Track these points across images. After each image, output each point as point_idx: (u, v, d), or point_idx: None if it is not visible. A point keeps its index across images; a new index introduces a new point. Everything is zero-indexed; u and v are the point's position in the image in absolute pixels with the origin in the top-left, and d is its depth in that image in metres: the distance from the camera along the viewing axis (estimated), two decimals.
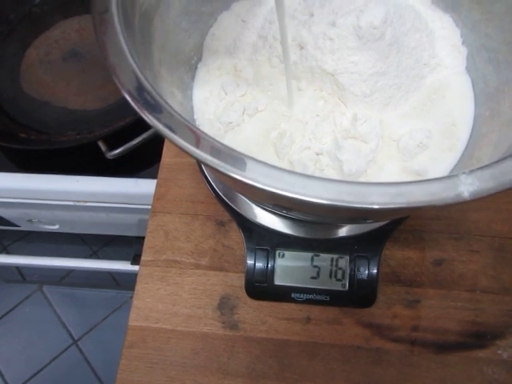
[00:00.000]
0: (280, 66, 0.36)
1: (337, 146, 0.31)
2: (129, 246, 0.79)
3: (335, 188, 0.20)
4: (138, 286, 0.41)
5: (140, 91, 0.22)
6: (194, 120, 0.36)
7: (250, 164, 0.21)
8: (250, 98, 0.36)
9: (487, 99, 0.34)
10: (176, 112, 0.22)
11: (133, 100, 0.22)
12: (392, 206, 0.20)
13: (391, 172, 0.32)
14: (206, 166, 0.21)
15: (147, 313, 0.40)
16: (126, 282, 1.09)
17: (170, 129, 0.21)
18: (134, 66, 0.23)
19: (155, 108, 0.22)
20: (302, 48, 0.35)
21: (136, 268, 0.73)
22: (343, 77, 0.33)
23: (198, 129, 0.22)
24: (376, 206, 0.20)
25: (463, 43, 0.36)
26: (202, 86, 0.38)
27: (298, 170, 0.32)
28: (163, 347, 0.39)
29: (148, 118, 0.21)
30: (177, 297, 0.41)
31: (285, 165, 0.33)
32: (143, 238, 0.44)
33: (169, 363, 0.39)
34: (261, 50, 0.37)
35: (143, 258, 0.42)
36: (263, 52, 0.37)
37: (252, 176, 0.20)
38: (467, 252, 0.41)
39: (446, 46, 0.36)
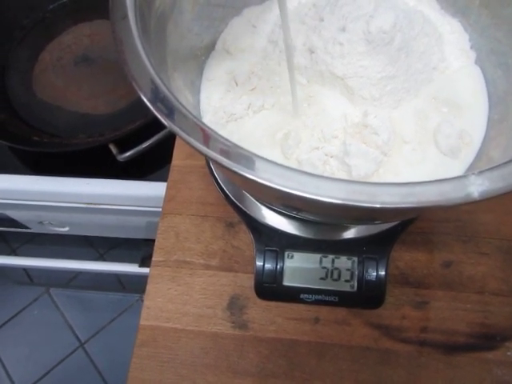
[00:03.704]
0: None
1: (345, 151, 0.32)
2: (135, 248, 0.80)
3: (347, 188, 0.21)
4: (149, 286, 0.42)
5: (159, 97, 0.23)
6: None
7: (263, 164, 0.21)
8: (258, 94, 0.36)
9: (496, 103, 0.34)
10: (193, 116, 0.23)
11: (152, 106, 0.23)
12: (402, 205, 0.20)
13: (402, 172, 0.33)
14: (221, 167, 0.22)
15: (158, 312, 0.41)
16: (133, 285, 1.10)
17: (187, 132, 0.22)
18: (153, 72, 0.24)
19: (173, 112, 0.23)
20: (312, 52, 0.36)
21: (144, 270, 0.74)
22: (353, 81, 0.34)
23: (214, 131, 0.22)
24: (386, 206, 0.20)
25: (472, 47, 0.37)
26: (213, 72, 0.38)
27: (306, 169, 0.32)
28: (174, 346, 0.40)
29: (167, 122, 0.22)
30: (187, 297, 0.41)
31: (292, 164, 0.33)
32: (151, 240, 0.45)
33: (179, 362, 0.39)
34: (271, 55, 0.38)
35: (154, 258, 0.43)
36: (273, 57, 0.38)
37: (265, 176, 0.21)
38: (476, 254, 0.41)
39: (454, 51, 0.36)
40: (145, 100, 0.24)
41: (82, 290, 1.11)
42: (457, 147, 0.33)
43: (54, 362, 1.03)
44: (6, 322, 1.07)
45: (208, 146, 0.22)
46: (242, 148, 0.22)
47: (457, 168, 0.33)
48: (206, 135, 0.22)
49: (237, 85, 0.37)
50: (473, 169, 0.31)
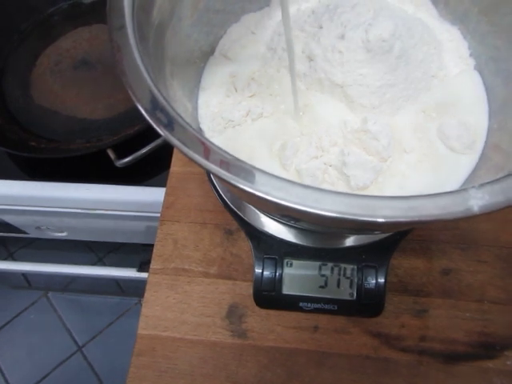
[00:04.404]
0: (289, 77, 0.37)
1: (343, 161, 0.32)
2: (134, 253, 0.79)
3: (346, 201, 0.21)
4: (147, 294, 0.42)
5: (156, 107, 0.23)
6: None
7: (262, 177, 0.21)
8: (257, 101, 0.36)
9: (495, 112, 0.34)
10: (192, 128, 0.23)
11: (151, 117, 0.22)
12: (403, 219, 0.20)
13: (402, 178, 0.32)
14: (220, 179, 0.22)
15: (156, 321, 0.41)
16: (131, 289, 1.09)
17: (185, 144, 0.22)
18: (150, 82, 0.24)
19: (170, 123, 0.23)
20: (311, 60, 0.35)
21: (142, 275, 0.74)
22: (352, 89, 0.34)
23: (212, 143, 0.22)
24: (387, 220, 0.20)
25: (471, 55, 0.37)
26: (212, 78, 0.38)
27: (306, 179, 0.32)
28: (172, 355, 0.39)
29: (165, 134, 0.22)
30: (185, 305, 0.41)
31: (291, 175, 0.33)
32: (150, 245, 0.44)
33: (177, 372, 0.39)
34: (270, 62, 0.38)
35: (152, 266, 0.43)
36: (272, 64, 0.38)
37: (264, 189, 0.21)
38: (475, 262, 0.41)
39: (453, 58, 0.36)
40: (142, 111, 0.23)
41: (80, 293, 1.10)
42: (469, 141, 0.32)
43: (51, 366, 1.03)
44: (4, 326, 1.07)
45: (208, 159, 0.22)
46: (241, 161, 0.22)
47: (467, 162, 0.33)
48: (206, 148, 0.22)
49: (236, 91, 0.37)
50: (472, 179, 0.31)
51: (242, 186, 0.21)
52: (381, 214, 0.20)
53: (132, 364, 0.39)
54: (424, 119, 0.35)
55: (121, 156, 0.54)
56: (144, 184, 0.60)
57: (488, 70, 0.36)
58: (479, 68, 0.36)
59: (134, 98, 0.23)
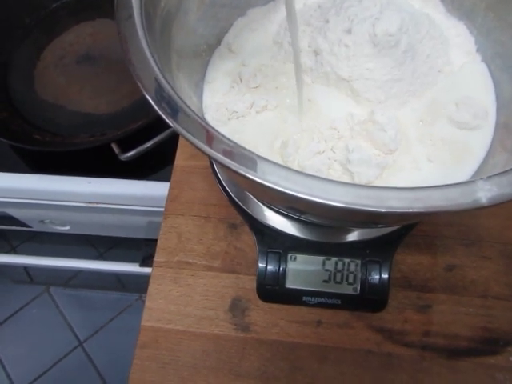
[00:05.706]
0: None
1: (347, 159, 0.32)
2: (135, 248, 0.79)
3: (354, 192, 0.21)
4: (151, 287, 0.42)
5: (163, 97, 0.23)
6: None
7: (268, 166, 0.21)
8: (262, 93, 0.36)
9: (501, 106, 0.34)
10: (198, 116, 0.23)
11: (157, 105, 0.23)
12: (410, 210, 0.20)
13: (409, 174, 0.32)
14: (226, 168, 0.22)
15: (159, 314, 0.41)
16: (132, 284, 1.09)
17: (192, 133, 0.22)
18: (158, 72, 0.24)
19: (178, 112, 0.23)
20: (317, 54, 0.35)
21: (144, 270, 0.74)
22: (358, 83, 0.34)
23: (219, 132, 0.22)
24: (394, 210, 0.20)
25: (477, 50, 0.37)
26: (217, 71, 0.38)
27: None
28: (175, 348, 0.39)
29: (172, 122, 0.22)
30: (189, 298, 0.41)
31: None
32: (153, 240, 0.45)
33: (181, 364, 0.39)
34: (276, 56, 0.38)
35: (156, 259, 0.43)
36: (278, 58, 0.38)
37: (272, 179, 0.21)
38: (479, 258, 0.41)
39: (460, 53, 0.36)
40: (150, 100, 0.23)
41: (81, 288, 1.11)
42: (483, 112, 0.33)
43: (52, 361, 1.03)
44: (5, 321, 1.07)
45: (212, 147, 0.22)
46: (246, 149, 0.22)
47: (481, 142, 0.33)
48: (210, 136, 0.22)
49: (241, 81, 0.37)
50: (479, 173, 0.31)
51: (247, 175, 0.21)
52: (388, 204, 0.20)
53: (135, 356, 0.39)
54: (431, 112, 0.35)
55: (125, 150, 0.54)
56: (148, 178, 0.60)
57: (495, 66, 0.36)
58: (486, 63, 0.36)
59: (141, 87, 0.23)
